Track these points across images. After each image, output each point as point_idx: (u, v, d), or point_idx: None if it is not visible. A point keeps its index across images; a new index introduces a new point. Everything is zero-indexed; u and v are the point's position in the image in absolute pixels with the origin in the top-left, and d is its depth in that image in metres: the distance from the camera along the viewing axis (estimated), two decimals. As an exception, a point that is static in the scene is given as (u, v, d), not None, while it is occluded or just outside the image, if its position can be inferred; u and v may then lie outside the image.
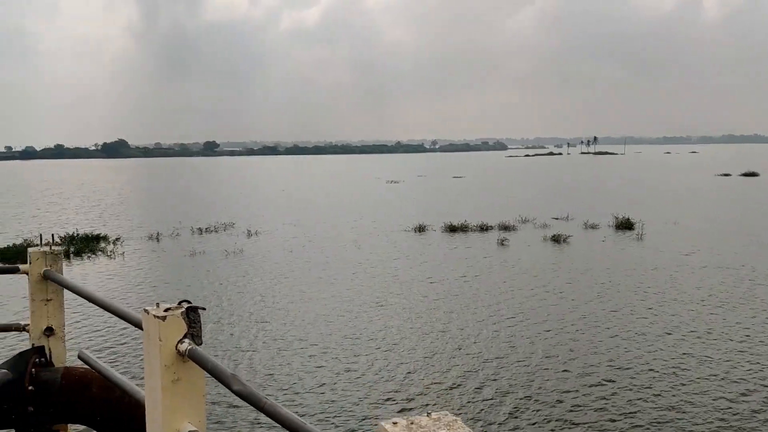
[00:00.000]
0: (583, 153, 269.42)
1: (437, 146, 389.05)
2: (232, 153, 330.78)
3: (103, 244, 32.71)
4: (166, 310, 2.07)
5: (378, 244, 32.47)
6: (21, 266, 3.54)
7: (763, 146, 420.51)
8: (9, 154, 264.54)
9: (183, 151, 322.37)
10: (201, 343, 2.06)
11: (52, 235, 3.62)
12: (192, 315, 2.08)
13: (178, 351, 2.04)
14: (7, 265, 3.77)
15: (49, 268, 3.47)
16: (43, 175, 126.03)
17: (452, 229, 36.81)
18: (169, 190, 79.82)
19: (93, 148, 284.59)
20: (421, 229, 37.11)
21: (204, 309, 2.11)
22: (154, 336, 2.06)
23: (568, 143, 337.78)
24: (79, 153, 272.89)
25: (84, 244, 31.72)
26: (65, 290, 3.53)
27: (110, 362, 13.83)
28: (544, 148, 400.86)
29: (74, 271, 26.48)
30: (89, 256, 29.64)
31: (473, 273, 24.88)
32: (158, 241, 34.40)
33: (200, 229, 37.76)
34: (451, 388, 13.14)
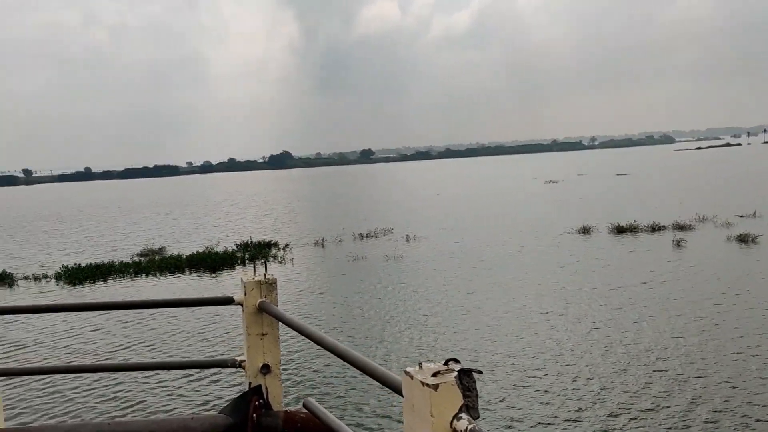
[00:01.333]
0: (766, 143, 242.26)
1: (596, 143, 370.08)
2: (386, 159, 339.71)
3: (274, 251, 34.85)
4: (435, 374, 1.70)
5: (541, 247, 31.31)
6: (236, 297, 3.33)
7: None
8: (190, 169, 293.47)
9: (341, 159, 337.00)
10: (478, 416, 1.69)
11: (264, 262, 3.49)
12: (466, 380, 1.71)
13: (454, 429, 1.66)
14: (221, 296, 3.48)
15: (264, 299, 3.27)
16: (219, 186, 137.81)
17: (620, 230, 34.57)
18: (331, 197, 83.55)
19: (261, 160, 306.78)
20: (585, 230, 35.28)
21: (481, 372, 1.71)
22: (422, 409, 1.69)
23: (748, 132, 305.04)
24: (249, 165, 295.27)
25: (257, 251, 34.01)
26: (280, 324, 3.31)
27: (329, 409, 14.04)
28: (719, 139, 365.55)
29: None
30: (262, 262, 31.64)
31: (656, 279, 23.04)
32: (323, 247, 35.97)
33: (361, 235, 38.93)
34: (649, 410, 11.98)
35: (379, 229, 41.10)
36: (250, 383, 3.24)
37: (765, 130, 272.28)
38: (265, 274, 3.35)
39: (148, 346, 17.58)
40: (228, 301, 3.38)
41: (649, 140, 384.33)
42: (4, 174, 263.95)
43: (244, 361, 3.31)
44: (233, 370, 3.88)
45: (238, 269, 30.23)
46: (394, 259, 30.05)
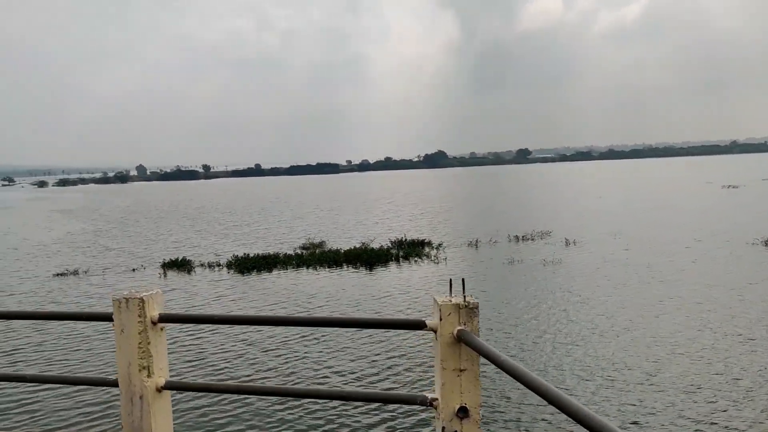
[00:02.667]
0: None
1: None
2: (544, 159, 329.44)
3: (427, 249, 35.00)
4: None
5: (720, 259, 28.39)
6: (428, 321, 2.88)
7: None
8: (349, 167, 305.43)
9: (496, 159, 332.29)
10: None
11: (463, 280, 3.06)
12: None
13: None
14: (414, 319, 2.99)
15: (464, 326, 2.76)
16: (377, 184, 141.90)
17: (817, 244, 30.38)
18: (485, 197, 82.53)
19: (416, 159, 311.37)
20: (770, 243, 31.47)
21: None
22: None
23: None
24: (405, 164, 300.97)
25: (411, 249, 34.35)
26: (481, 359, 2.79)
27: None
28: None
29: (401, 274, 28.73)
30: (416, 260, 31.90)
31: None
32: (477, 248, 35.48)
33: (517, 237, 37.88)
34: None
35: (536, 231, 39.74)
36: (443, 428, 2.80)
37: None
38: (464, 296, 2.83)
39: (307, 362, 16.77)
40: (418, 325, 2.92)
41: None
42: (187, 169, 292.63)
43: (437, 400, 2.84)
44: (422, 407, 3.41)
45: (393, 265, 30.72)
46: (552, 265, 28.82)
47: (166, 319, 3.31)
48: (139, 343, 3.23)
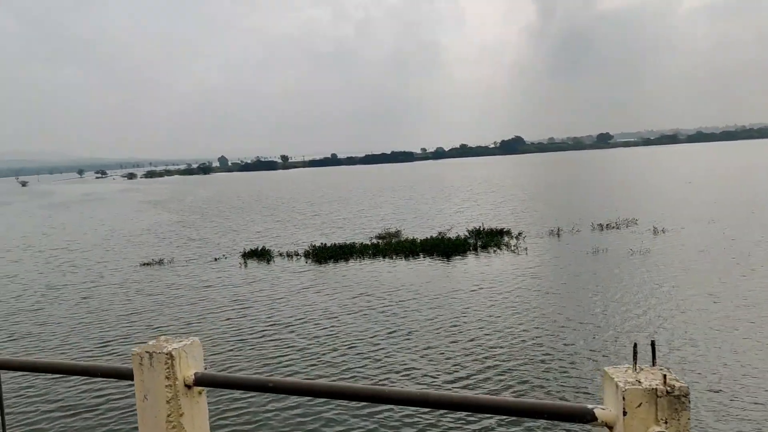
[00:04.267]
0: None
1: None
2: (626, 144, 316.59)
3: (506, 239, 34.06)
4: None
5: (827, 249, 26.09)
6: (598, 411, 1.88)
7: None
8: (423, 155, 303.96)
9: (576, 144, 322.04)
10: None
11: (652, 343, 2.01)
12: None
13: None
14: (572, 405, 1.96)
15: (664, 429, 1.77)
16: (452, 172, 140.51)
17: None
18: (566, 183, 79.96)
19: (492, 145, 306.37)
20: None
21: None
22: None
23: None
24: (480, 151, 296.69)
25: (489, 238, 33.52)
26: None
27: None
28: None
29: (480, 265, 28.02)
30: (494, 250, 31.08)
31: None
32: (558, 237, 34.23)
33: (600, 225, 36.30)
34: None
35: (620, 219, 37.96)
36: None
37: None
38: (663, 374, 1.83)
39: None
40: (582, 415, 1.90)
41: None
42: (266, 159, 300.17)
43: None
44: None
45: (470, 255, 30.06)
46: (639, 254, 27.35)
47: (205, 381, 2.46)
48: (168, 415, 2.41)
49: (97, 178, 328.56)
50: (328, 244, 33.82)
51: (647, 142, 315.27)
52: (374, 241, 35.94)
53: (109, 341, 18.79)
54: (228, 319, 20.68)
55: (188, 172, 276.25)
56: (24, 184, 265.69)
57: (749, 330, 16.25)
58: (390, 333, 17.94)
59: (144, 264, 33.13)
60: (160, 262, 33.37)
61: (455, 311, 19.93)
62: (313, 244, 34.56)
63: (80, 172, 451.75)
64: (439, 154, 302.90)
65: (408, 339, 17.26)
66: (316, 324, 19.37)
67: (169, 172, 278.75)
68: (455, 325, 18.28)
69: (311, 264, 30.48)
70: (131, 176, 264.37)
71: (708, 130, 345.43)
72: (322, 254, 31.86)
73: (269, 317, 20.54)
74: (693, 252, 27.25)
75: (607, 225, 36.34)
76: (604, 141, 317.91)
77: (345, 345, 17.05)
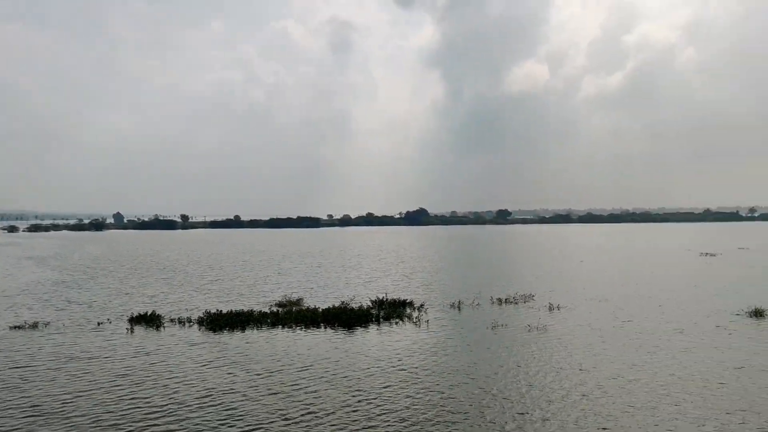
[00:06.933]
0: None
1: (756, 214, 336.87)
2: (524, 221, 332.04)
3: (409, 310, 33.86)
4: None
5: (704, 331, 27.64)
6: None
7: None
8: (330, 222, 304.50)
9: (477, 219, 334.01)
10: None
11: None
12: None
13: None
14: None
15: None
16: (358, 240, 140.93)
17: (803, 316, 29.87)
18: (468, 257, 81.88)
19: (397, 216, 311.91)
20: (758, 313, 30.94)
21: None
22: None
23: None
24: (386, 221, 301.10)
25: (392, 310, 33.19)
26: None
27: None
28: None
29: (382, 336, 27.48)
30: (396, 322, 30.72)
31: None
32: (459, 309, 34.44)
33: (500, 300, 36.99)
34: None
35: (518, 294, 38.93)
36: None
37: None
38: None
39: None
40: None
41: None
42: (165, 218, 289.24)
43: None
44: None
45: (372, 327, 29.51)
46: (537, 331, 27.84)
47: None
48: None
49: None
50: (224, 311, 32.23)
51: (543, 219, 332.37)
52: (274, 309, 34.69)
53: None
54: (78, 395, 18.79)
55: (78, 227, 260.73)
56: None
57: (644, 406, 16.55)
58: (283, 416, 16.87)
59: (14, 327, 30.10)
60: (34, 325, 30.45)
61: (350, 388, 19.17)
62: (208, 310, 32.85)
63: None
64: (345, 222, 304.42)
65: (299, 424, 16.28)
66: (190, 406, 17.96)
67: (56, 227, 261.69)
68: (347, 405, 17.50)
69: (205, 332, 28.79)
70: (12, 229, 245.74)
71: (597, 212, 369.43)
72: (217, 322, 30.24)
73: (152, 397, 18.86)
74: (587, 329, 28.07)
75: (506, 300, 37.07)
76: (503, 217, 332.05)
77: None
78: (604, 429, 15.28)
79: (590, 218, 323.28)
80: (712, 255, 76.07)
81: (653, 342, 25.24)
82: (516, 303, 36.37)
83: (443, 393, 18.48)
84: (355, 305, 34.72)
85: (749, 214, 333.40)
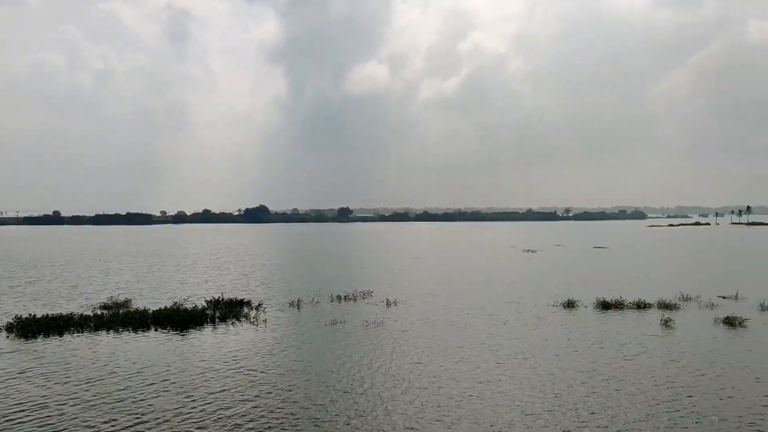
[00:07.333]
0: (733, 223, 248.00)
1: (571, 214, 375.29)
2: (364, 219, 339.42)
3: (246, 310, 33.07)
4: None
5: (525, 321, 30.08)
6: None
7: None
8: (163, 218, 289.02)
9: (318, 216, 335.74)
10: None
11: None
12: None
13: None
14: None
15: None
16: (195, 238, 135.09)
17: (605, 305, 33.62)
18: (309, 255, 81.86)
19: (236, 213, 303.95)
20: (570, 304, 34.27)
21: None
22: None
23: (716, 213, 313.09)
24: (224, 218, 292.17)
25: (229, 310, 32.18)
26: None
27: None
28: (688, 217, 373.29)
29: (218, 336, 26.58)
30: (233, 322, 29.86)
31: (655, 367, 21.88)
32: (299, 308, 34.29)
33: (339, 297, 37.41)
34: None
35: (357, 291, 39.66)
36: None
37: (731, 212, 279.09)
38: None
39: None
40: None
41: (621, 215, 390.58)
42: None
43: None
44: None
45: (208, 327, 28.41)
46: (375, 326, 28.52)
47: None
48: None
49: None
50: (39, 316, 29.20)
51: (382, 218, 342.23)
52: (98, 312, 32.12)
53: None
54: None
55: None
56: None
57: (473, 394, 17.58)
58: (110, 430, 15.63)
59: None
60: None
61: (183, 394, 18.28)
62: (19, 315, 29.58)
63: None
64: (180, 219, 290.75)
65: None
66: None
67: None
68: (179, 412, 16.68)
69: (14, 339, 25.86)
70: None
71: (432, 211, 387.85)
72: (29, 328, 27.29)
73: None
74: (422, 323, 29.27)
75: (345, 296, 37.57)
76: (344, 215, 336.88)
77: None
78: (434, 419, 16.01)
79: (427, 217, 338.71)
80: (533, 251, 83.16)
81: (482, 333, 26.96)
82: (355, 299, 36.99)
83: (282, 393, 18.26)
84: (189, 306, 33.22)
85: (565, 214, 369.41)
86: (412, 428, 15.27)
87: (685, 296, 36.83)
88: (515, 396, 17.79)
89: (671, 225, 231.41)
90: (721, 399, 17.41)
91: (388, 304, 35.14)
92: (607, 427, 15.24)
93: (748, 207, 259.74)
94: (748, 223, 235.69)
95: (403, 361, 21.93)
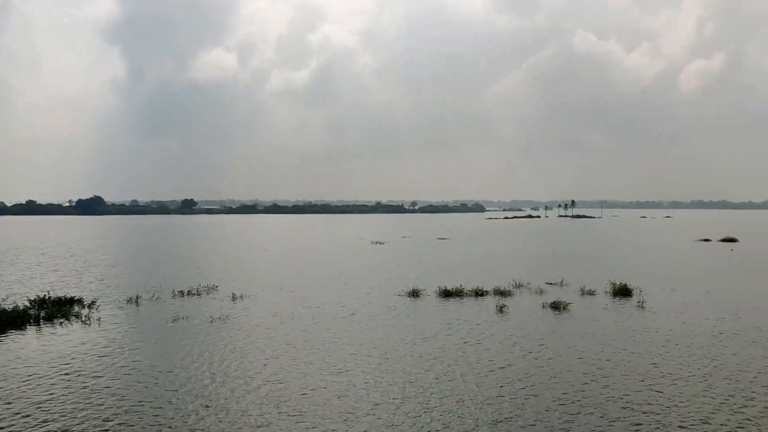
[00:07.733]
0: (560, 216, 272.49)
1: (417, 207, 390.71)
2: (209, 211, 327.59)
3: (77, 309, 30.48)
4: None
5: (374, 311, 30.70)
6: None
7: (730, 212, 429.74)
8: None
9: (160, 208, 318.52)
10: None
11: None
12: None
13: None
14: None
15: None
16: (17, 232, 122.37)
17: (447, 293, 35.30)
18: (149, 249, 77.37)
19: (67, 204, 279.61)
20: (415, 293, 35.55)
21: None
22: None
23: (546, 206, 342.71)
24: (52, 209, 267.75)
25: (56, 309, 29.42)
26: None
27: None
28: (521, 210, 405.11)
29: (43, 339, 24.24)
30: (61, 322, 27.37)
31: (494, 346, 23.24)
32: (137, 305, 32.25)
33: (182, 292, 35.72)
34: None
35: (202, 286, 38.16)
36: None
37: (558, 205, 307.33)
38: None
39: None
40: None
41: (463, 208, 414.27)
42: None
43: None
44: None
45: (31, 329, 25.77)
46: (220, 321, 27.56)
47: None
48: None
49: None
50: None
51: (229, 210, 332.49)
52: None
53: None
54: None
55: None
56: None
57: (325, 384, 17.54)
58: None
59: None
60: None
61: (4, 401, 16.42)
62: None
63: None
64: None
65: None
66: None
67: None
68: None
69: None
70: None
71: (282, 203, 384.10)
72: None
73: None
74: (269, 317, 28.79)
75: (188, 292, 35.96)
76: (188, 207, 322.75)
77: None
78: (284, 413, 15.79)
79: (276, 209, 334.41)
80: (381, 243, 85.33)
81: (331, 325, 27.07)
82: (199, 295, 35.55)
83: (116, 395, 17.00)
84: (8, 306, 29.89)
85: (411, 207, 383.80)
86: (263, 426, 14.93)
87: (517, 283, 39.60)
88: (366, 386, 18.05)
89: (506, 218, 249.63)
90: (551, 377, 18.95)
91: (235, 298, 34.18)
92: (456, 409, 15.96)
93: (573, 201, 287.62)
94: (573, 216, 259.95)
95: (247, 356, 21.40)
